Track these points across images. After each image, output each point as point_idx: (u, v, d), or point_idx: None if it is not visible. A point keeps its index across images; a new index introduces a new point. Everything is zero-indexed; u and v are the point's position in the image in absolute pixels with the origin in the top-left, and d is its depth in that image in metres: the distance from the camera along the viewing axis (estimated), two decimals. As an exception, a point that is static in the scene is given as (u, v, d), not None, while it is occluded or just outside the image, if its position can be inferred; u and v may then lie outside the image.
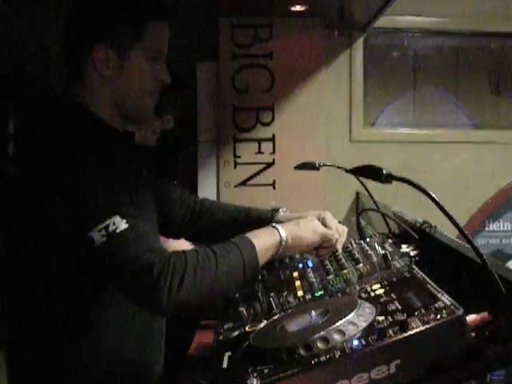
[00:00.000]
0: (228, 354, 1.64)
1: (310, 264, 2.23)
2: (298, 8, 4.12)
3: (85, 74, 1.90)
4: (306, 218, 2.14)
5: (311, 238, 2.06)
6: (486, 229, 4.90)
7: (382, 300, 1.59)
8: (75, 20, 1.92)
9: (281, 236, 1.96)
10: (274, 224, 2.01)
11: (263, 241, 1.91)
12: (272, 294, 1.98)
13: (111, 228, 1.62)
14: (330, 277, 2.01)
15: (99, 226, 1.62)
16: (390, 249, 2.12)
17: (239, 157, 4.47)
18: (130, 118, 2.00)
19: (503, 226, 4.91)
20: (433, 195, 1.49)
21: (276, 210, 2.41)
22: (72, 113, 1.90)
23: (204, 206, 2.48)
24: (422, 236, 2.33)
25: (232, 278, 1.78)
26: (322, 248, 2.14)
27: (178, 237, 2.57)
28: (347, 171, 1.84)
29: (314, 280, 2.02)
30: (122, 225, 1.64)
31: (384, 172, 1.60)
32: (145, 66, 1.92)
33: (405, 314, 1.42)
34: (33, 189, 1.74)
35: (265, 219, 2.35)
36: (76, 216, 1.66)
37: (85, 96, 1.91)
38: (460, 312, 1.34)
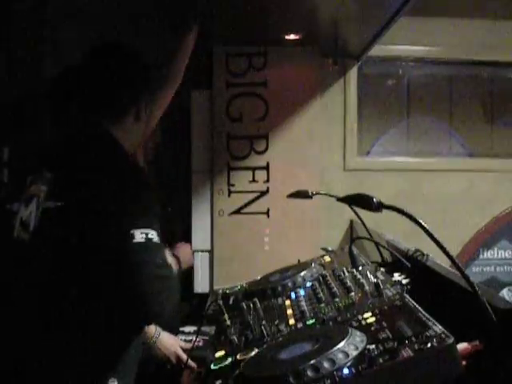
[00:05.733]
0: (219, 382, 1.63)
1: (302, 293, 2.23)
2: (292, 37, 4.13)
3: (125, 121, 2.24)
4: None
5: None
6: (481, 257, 4.89)
7: (373, 328, 1.59)
8: (100, 86, 2.25)
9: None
10: None
11: None
12: (264, 323, 1.97)
13: (150, 235, 1.88)
14: (322, 305, 2.01)
15: (142, 229, 1.88)
16: (381, 277, 2.12)
17: (233, 185, 4.47)
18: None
19: (497, 253, 4.90)
20: (423, 224, 1.49)
21: None
22: (112, 143, 2.18)
23: None
24: (414, 264, 2.33)
25: None
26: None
27: None
28: (338, 200, 1.85)
29: (305, 308, 2.02)
30: (156, 237, 1.90)
31: (374, 201, 1.60)
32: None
33: (395, 343, 1.42)
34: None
35: None
36: (127, 215, 1.92)
37: (121, 137, 2.21)
38: (450, 340, 1.34)
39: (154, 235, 1.89)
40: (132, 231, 1.86)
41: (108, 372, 2.00)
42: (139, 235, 1.86)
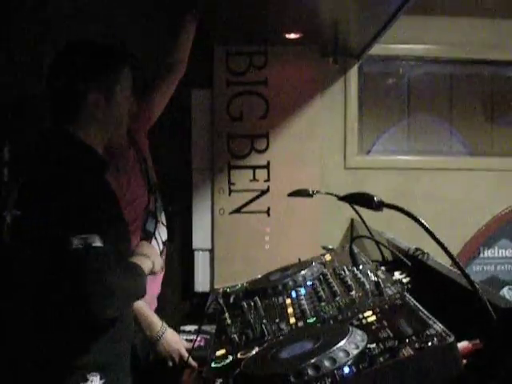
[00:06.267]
0: (220, 380, 1.64)
1: (303, 291, 2.23)
2: (292, 36, 4.13)
3: (79, 116, 2.20)
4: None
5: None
6: (481, 255, 4.89)
7: (373, 327, 1.60)
8: (62, 74, 2.25)
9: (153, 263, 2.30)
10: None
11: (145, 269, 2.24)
12: (264, 321, 1.97)
13: (89, 240, 1.89)
14: (323, 304, 2.01)
15: (81, 235, 1.88)
16: (382, 276, 2.12)
17: (234, 184, 4.47)
18: (111, 144, 2.34)
19: (498, 252, 4.90)
20: (423, 222, 1.49)
21: None
22: (69, 142, 2.18)
23: None
24: (414, 263, 2.33)
25: (135, 299, 2.23)
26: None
27: None
28: (339, 198, 1.85)
29: (306, 307, 2.02)
30: (97, 242, 1.90)
31: (375, 199, 1.61)
32: (124, 106, 2.31)
33: (396, 341, 1.42)
34: (35, 200, 2.05)
35: None
36: (66, 221, 1.93)
37: (79, 130, 2.19)
38: (451, 339, 1.35)
39: (94, 239, 1.90)
40: (70, 238, 1.87)
41: (84, 368, 2.04)
42: (76, 241, 1.87)
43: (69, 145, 2.17)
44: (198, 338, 2.75)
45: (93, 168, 2.17)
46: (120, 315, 2.10)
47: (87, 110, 2.19)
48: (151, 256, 2.28)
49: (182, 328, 3.60)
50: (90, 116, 2.19)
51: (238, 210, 4.47)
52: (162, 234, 3.17)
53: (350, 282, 2.09)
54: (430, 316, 1.53)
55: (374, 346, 1.44)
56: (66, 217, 1.95)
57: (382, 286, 1.93)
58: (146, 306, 2.76)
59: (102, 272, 1.87)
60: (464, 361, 1.37)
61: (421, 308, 1.63)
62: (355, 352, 1.42)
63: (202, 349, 2.75)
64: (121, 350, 2.20)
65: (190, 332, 3.21)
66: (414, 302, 1.71)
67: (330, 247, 3.10)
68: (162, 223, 3.21)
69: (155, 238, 3.12)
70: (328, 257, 2.84)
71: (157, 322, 2.75)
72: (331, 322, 1.84)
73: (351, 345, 1.45)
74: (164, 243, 3.10)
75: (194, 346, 2.50)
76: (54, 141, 2.20)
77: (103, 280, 1.86)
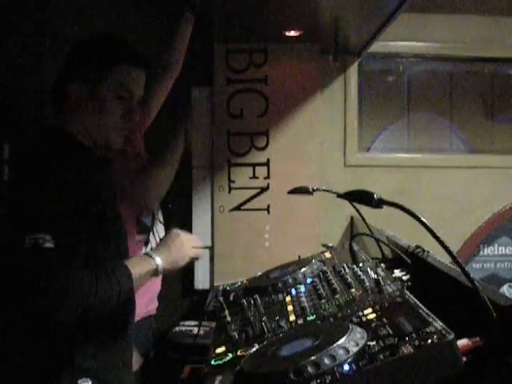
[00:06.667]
0: (219, 378, 1.63)
1: (303, 289, 2.23)
2: (292, 33, 4.14)
3: (65, 107, 2.16)
4: (172, 237, 2.31)
5: (184, 260, 2.29)
6: (481, 253, 4.90)
7: (373, 324, 1.59)
8: (66, 62, 2.21)
9: (157, 265, 2.16)
10: (150, 253, 2.22)
11: (140, 270, 2.11)
12: (264, 319, 1.97)
13: (40, 240, 1.84)
14: (323, 301, 2.01)
15: (32, 235, 1.85)
16: (382, 273, 2.12)
17: (234, 181, 4.47)
18: (99, 146, 2.21)
19: (498, 250, 4.91)
20: (423, 220, 1.49)
21: None
22: (53, 137, 2.15)
23: None
24: (414, 261, 2.33)
25: (106, 303, 1.97)
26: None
27: None
28: (339, 196, 1.84)
29: (306, 305, 2.02)
30: (48, 243, 1.85)
31: (375, 197, 1.60)
32: (109, 104, 2.16)
33: (396, 339, 1.42)
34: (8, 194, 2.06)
35: None
36: (22, 219, 1.92)
37: (68, 125, 2.16)
38: (451, 337, 1.34)
39: (45, 239, 1.86)
40: (24, 237, 1.85)
41: (71, 373, 2.00)
42: (28, 241, 1.84)
43: (49, 140, 2.13)
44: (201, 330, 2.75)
45: (72, 163, 2.08)
46: (115, 318, 2.10)
47: (69, 103, 2.14)
48: (163, 254, 2.20)
49: (182, 323, 3.62)
50: (74, 110, 2.14)
51: (237, 208, 4.48)
52: (160, 231, 3.18)
53: (349, 280, 2.09)
54: (430, 313, 1.53)
55: (373, 343, 1.44)
56: (23, 215, 1.92)
57: (382, 283, 1.93)
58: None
59: (46, 273, 1.84)
60: (464, 358, 1.37)
61: (421, 305, 1.63)
62: (355, 349, 1.42)
63: (205, 337, 2.72)
64: (114, 354, 2.16)
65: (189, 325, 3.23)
66: (414, 299, 1.71)
67: (330, 245, 3.10)
68: (160, 221, 3.22)
69: (153, 235, 3.12)
70: (328, 254, 2.83)
71: (147, 264, 2.26)
72: (331, 319, 1.84)
73: (351, 342, 1.45)
74: (161, 240, 3.11)
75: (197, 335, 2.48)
76: (39, 137, 2.17)
77: (48, 281, 1.82)
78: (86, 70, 2.14)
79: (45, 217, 1.91)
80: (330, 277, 2.24)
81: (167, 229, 3.20)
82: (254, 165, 4.49)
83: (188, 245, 2.29)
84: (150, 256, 2.17)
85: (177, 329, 3.72)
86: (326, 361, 1.39)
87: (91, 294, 1.90)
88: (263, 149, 4.49)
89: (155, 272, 2.17)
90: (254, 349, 1.77)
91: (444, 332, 1.37)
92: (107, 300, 1.96)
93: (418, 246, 2.45)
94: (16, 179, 2.07)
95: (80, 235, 1.99)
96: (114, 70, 2.16)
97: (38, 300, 1.83)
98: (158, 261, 2.16)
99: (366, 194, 1.63)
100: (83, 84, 2.12)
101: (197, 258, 2.36)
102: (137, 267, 2.09)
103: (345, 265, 2.36)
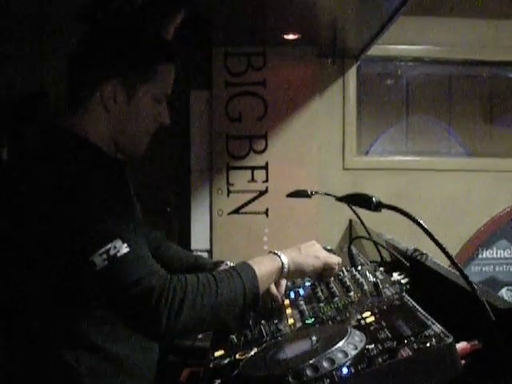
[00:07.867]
0: (218, 381, 1.63)
1: (302, 292, 2.23)
2: (291, 37, 4.14)
3: (89, 107, 1.92)
4: (307, 244, 2.11)
5: (313, 265, 2.06)
6: (480, 256, 4.90)
7: (372, 328, 1.59)
8: (83, 55, 1.94)
9: (282, 263, 1.97)
10: (275, 251, 2.02)
11: (264, 267, 1.92)
12: (263, 322, 1.97)
13: (112, 252, 1.63)
14: (321, 305, 2.01)
15: (100, 250, 1.63)
16: (381, 277, 2.12)
17: (232, 185, 4.48)
18: (123, 152, 2.02)
19: (496, 253, 4.91)
20: (422, 223, 1.49)
21: (219, 263, 2.45)
22: (73, 143, 1.87)
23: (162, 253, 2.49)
24: (413, 264, 2.33)
25: (232, 303, 1.77)
26: (324, 272, 2.12)
27: None
28: (337, 199, 1.84)
29: (304, 308, 2.02)
30: (123, 249, 1.64)
31: (374, 200, 1.60)
32: (149, 107, 1.96)
33: (395, 342, 1.42)
34: (35, 217, 1.73)
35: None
36: (77, 241, 1.66)
37: (85, 127, 1.91)
38: (450, 340, 1.35)
39: (118, 246, 1.64)
40: (91, 259, 1.63)
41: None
42: (99, 260, 1.62)
43: (67, 148, 1.85)
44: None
45: (102, 170, 1.84)
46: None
47: (98, 101, 1.89)
48: (290, 254, 2.01)
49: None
50: (104, 110, 1.90)
51: (236, 211, 4.48)
52: None
53: (348, 283, 2.09)
54: (429, 317, 1.53)
55: (372, 346, 1.44)
56: (77, 235, 1.67)
57: (381, 286, 1.93)
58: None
59: (136, 285, 1.63)
60: (463, 361, 1.37)
61: (419, 309, 1.63)
62: (354, 353, 1.42)
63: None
64: (118, 352, 1.92)
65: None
66: (413, 302, 1.71)
67: (329, 248, 3.10)
68: None
69: None
70: (326, 257, 2.83)
71: (273, 263, 2.03)
72: (330, 322, 1.84)
73: (350, 345, 1.45)
74: None
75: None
76: (51, 143, 1.87)
77: (144, 288, 1.63)
78: (126, 71, 1.90)
79: (102, 226, 1.68)
80: (329, 280, 2.24)
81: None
82: (252, 168, 4.49)
83: (321, 255, 2.09)
84: (275, 253, 2.01)
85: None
86: (325, 364, 1.39)
87: (209, 298, 1.71)
88: (262, 152, 4.49)
89: (280, 271, 1.97)
90: (252, 352, 1.77)
91: (443, 335, 1.37)
92: (232, 303, 1.77)
93: (416, 250, 2.45)
94: (44, 196, 1.72)
95: (140, 236, 1.84)
96: (154, 71, 1.94)
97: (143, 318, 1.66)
98: (284, 258, 1.98)
99: (365, 198, 1.64)
100: (120, 85, 1.89)
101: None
102: (261, 264, 1.93)
103: (343, 268, 2.36)
